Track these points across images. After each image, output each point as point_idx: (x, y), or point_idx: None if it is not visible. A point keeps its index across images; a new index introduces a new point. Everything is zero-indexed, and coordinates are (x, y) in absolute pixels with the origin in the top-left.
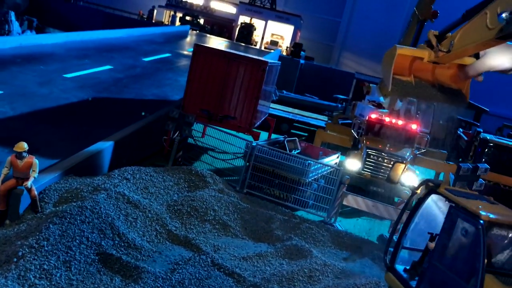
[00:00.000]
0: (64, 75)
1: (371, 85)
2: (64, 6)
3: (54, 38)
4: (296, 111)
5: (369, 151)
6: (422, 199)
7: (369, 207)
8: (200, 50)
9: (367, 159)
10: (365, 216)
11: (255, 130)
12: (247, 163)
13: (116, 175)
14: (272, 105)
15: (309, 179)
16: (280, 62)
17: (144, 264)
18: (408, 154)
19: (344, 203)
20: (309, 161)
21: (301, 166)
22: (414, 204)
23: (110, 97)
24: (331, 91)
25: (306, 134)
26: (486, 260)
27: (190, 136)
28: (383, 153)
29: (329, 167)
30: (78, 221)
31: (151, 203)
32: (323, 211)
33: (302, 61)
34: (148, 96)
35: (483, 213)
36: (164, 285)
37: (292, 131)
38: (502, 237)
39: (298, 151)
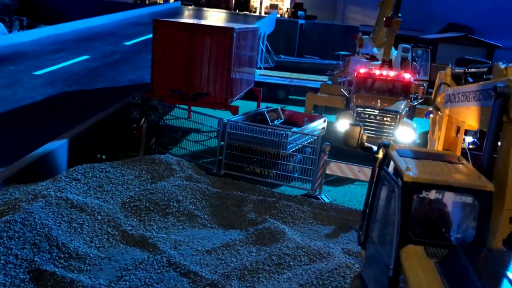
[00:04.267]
0: (34, 73)
1: (363, 36)
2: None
3: (29, 35)
4: (295, 75)
5: (359, 110)
6: (381, 164)
7: (355, 172)
8: (159, 25)
9: (358, 118)
10: (359, 182)
11: (234, 104)
12: (221, 143)
13: (63, 178)
14: (268, 72)
15: (289, 151)
16: (258, 27)
17: (86, 275)
18: (402, 107)
19: (327, 172)
20: (286, 132)
21: (278, 138)
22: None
23: (79, 89)
24: (335, 49)
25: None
26: (406, 228)
27: (157, 121)
28: (375, 110)
29: (309, 136)
30: (5, 238)
31: (103, 204)
32: (310, 184)
33: (302, 22)
34: (122, 82)
35: (407, 172)
36: None
37: (290, 97)
38: (431, 202)
39: (282, 120)
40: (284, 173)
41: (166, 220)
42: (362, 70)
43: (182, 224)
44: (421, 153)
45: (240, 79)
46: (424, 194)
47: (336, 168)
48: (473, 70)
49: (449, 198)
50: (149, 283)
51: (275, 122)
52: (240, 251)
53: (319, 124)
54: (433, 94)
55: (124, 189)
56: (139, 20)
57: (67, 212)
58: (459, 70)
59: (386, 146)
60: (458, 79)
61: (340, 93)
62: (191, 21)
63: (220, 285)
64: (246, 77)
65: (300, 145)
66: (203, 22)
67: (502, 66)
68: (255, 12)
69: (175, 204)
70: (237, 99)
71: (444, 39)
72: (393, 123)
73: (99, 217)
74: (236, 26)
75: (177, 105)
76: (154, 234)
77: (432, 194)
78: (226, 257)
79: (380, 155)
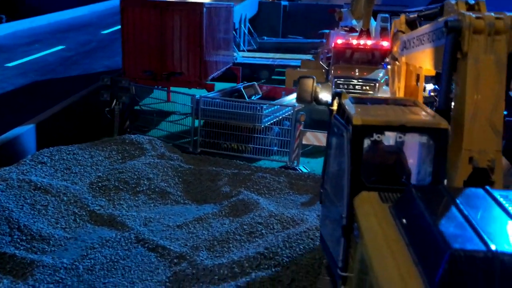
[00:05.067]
0: (6, 65)
1: (342, 10)
2: None
3: (3, 30)
4: (278, 55)
5: (337, 80)
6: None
7: None
8: (127, 4)
9: (337, 89)
10: None
11: (210, 82)
12: (196, 120)
13: (28, 161)
14: (251, 54)
15: (265, 124)
16: (232, 4)
17: (49, 256)
18: (381, 75)
19: (304, 142)
20: (261, 105)
21: (252, 112)
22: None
23: (52, 78)
24: (320, 28)
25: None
26: (358, 175)
27: (130, 103)
28: (352, 80)
29: (289, 108)
30: None
31: (70, 185)
32: (288, 156)
33: (285, 3)
34: (98, 69)
35: (357, 116)
36: (67, 277)
37: (274, 77)
38: (384, 146)
39: (259, 96)
40: (262, 146)
41: (136, 198)
42: (339, 41)
43: (154, 202)
44: (375, 100)
45: (215, 57)
46: (375, 137)
47: (312, 137)
48: (426, 12)
49: (403, 140)
50: (115, 259)
51: (253, 98)
52: (213, 224)
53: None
54: (390, 44)
55: (94, 170)
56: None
57: (31, 194)
58: (413, 15)
59: (338, 95)
60: (413, 25)
61: (318, 68)
62: None
63: (188, 257)
64: (223, 55)
65: (277, 118)
66: None
67: (453, 1)
68: None
69: (145, 182)
70: (214, 78)
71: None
72: (371, 92)
73: (65, 198)
74: (206, 2)
75: (157, 87)
76: (123, 213)
77: (385, 138)
78: (197, 231)
79: (335, 107)
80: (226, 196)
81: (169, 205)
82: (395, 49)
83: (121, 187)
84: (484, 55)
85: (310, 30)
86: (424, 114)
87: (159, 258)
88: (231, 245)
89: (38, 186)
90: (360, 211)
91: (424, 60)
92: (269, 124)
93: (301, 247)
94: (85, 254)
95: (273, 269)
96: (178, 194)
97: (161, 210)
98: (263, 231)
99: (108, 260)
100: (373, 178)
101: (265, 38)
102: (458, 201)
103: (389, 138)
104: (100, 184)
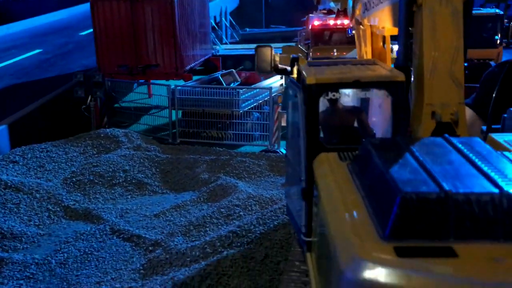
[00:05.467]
0: None
1: None
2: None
3: None
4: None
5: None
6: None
7: None
8: None
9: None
10: None
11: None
12: (173, 111)
13: None
14: (234, 46)
15: (244, 109)
16: None
17: (21, 253)
18: None
19: (283, 124)
20: (237, 90)
21: (229, 97)
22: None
23: (29, 80)
24: (303, 16)
25: None
26: (316, 136)
27: (106, 98)
28: (330, 59)
29: (267, 91)
30: None
31: (43, 182)
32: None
33: None
34: (75, 69)
35: (311, 76)
36: (38, 272)
37: None
38: (341, 105)
39: (238, 82)
40: (243, 132)
41: (112, 191)
42: (316, 23)
43: (131, 194)
44: (333, 62)
45: (192, 47)
46: (330, 95)
47: None
48: None
49: (361, 98)
50: (89, 252)
51: (231, 85)
52: (191, 210)
53: (276, 81)
54: (352, 8)
55: (68, 167)
56: None
57: (1, 193)
58: None
59: (295, 60)
60: None
61: (298, 52)
62: None
63: (163, 243)
64: (200, 46)
65: (256, 103)
66: None
67: None
68: None
69: (121, 174)
70: (192, 68)
71: None
72: None
73: (38, 195)
74: None
75: (136, 84)
76: (99, 206)
77: (345, 98)
78: (174, 218)
79: (296, 75)
80: (205, 182)
81: (147, 195)
82: (357, 12)
83: (96, 180)
84: (439, 6)
85: (293, 19)
86: (381, 70)
87: (134, 247)
88: (207, 228)
89: (9, 185)
90: (318, 172)
91: (385, 19)
92: (248, 109)
93: (276, 223)
94: (59, 248)
95: (246, 246)
96: (156, 184)
97: (139, 201)
98: (241, 213)
99: (81, 253)
100: (334, 140)
101: (247, 29)
102: (414, 149)
103: (348, 98)
104: (74, 179)
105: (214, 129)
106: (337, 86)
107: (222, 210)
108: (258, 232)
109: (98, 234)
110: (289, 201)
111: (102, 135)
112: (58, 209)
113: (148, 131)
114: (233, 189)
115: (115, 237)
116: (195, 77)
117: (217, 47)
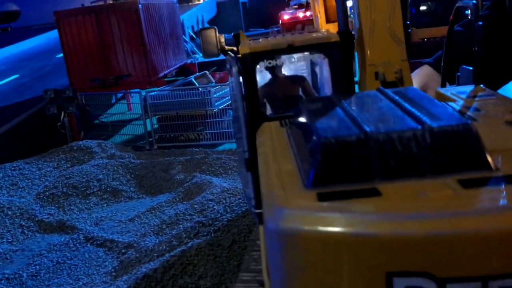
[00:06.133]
0: None
1: None
2: None
3: None
4: None
5: None
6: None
7: None
8: (61, 16)
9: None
10: None
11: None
12: (146, 117)
13: None
14: None
15: (218, 107)
16: (175, 1)
17: None
18: None
19: None
20: (208, 88)
21: (201, 97)
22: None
23: (4, 105)
24: None
25: None
26: (256, 106)
27: (80, 113)
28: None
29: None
30: None
31: (15, 199)
32: None
33: (243, 0)
34: None
35: (244, 46)
36: (9, 286)
37: None
38: (285, 77)
39: (213, 83)
40: (220, 130)
41: (87, 201)
42: (286, 17)
43: (106, 202)
44: (274, 35)
45: (164, 54)
46: (266, 63)
47: None
48: None
49: (300, 64)
50: (62, 261)
51: (211, 90)
52: (166, 211)
53: None
54: None
55: (42, 182)
56: None
57: None
58: None
59: (236, 36)
60: None
61: None
62: (94, 4)
63: (135, 244)
64: (172, 52)
65: (231, 101)
66: (105, 2)
67: None
68: (199, 1)
69: (95, 184)
70: (166, 75)
71: None
72: None
73: (10, 212)
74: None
75: (115, 93)
76: (73, 217)
77: (286, 67)
78: (149, 220)
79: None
80: (180, 183)
81: (123, 202)
82: None
83: (70, 192)
84: None
85: (271, 20)
86: (317, 34)
87: (107, 252)
88: (181, 225)
89: None
90: (259, 141)
91: None
92: (224, 107)
93: (244, 209)
94: (31, 262)
95: (213, 235)
96: (131, 190)
97: (114, 208)
98: (215, 207)
99: (54, 263)
100: (278, 110)
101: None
102: (344, 102)
103: (289, 67)
104: (47, 193)
105: (191, 131)
106: (270, 53)
107: (195, 206)
108: (226, 219)
109: (72, 243)
110: (242, 180)
111: (75, 148)
112: (32, 224)
113: (128, 141)
114: (207, 186)
115: (88, 245)
116: (166, 81)
117: (196, 56)
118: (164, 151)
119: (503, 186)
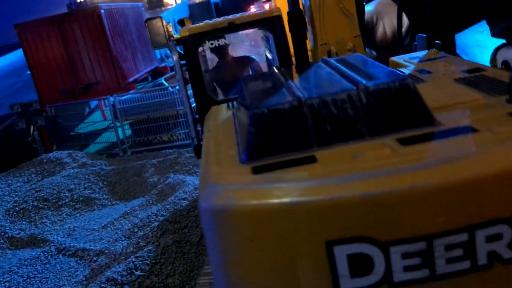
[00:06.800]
0: None
1: None
2: None
3: None
4: None
5: None
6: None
7: None
8: (22, 28)
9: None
10: None
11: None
12: (117, 123)
13: None
14: None
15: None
16: (140, 4)
17: None
18: None
19: None
20: (175, 87)
21: (170, 97)
22: None
23: None
24: None
25: None
26: (202, 90)
27: (48, 125)
28: None
29: None
30: None
31: None
32: None
33: (216, 0)
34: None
35: (184, 29)
36: None
37: None
38: (234, 59)
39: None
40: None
41: (60, 212)
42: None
43: (79, 211)
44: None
45: (132, 58)
46: (209, 44)
47: None
48: None
49: (248, 44)
50: (32, 275)
51: (177, 87)
52: (139, 214)
53: None
54: None
55: (12, 198)
56: None
57: None
58: None
59: (181, 22)
60: None
61: None
62: (56, 13)
63: (106, 251)
64: (142, 56)
65: None
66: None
67: None
68: (172, 5)
69: (67, 194)
70: (137, 80)
71: None
72: None
73: None
74: (103, 4)
75: (84, 102)
76: (46, 230)
77: (225, 48)
78: (122, 225)
79: None
80: (154, 185)
81: (96, 210)
82: None
83: (41, 205)
84: None
85: None
86: (260, 11)
87: (78, 261)
88: (152, 225)
89: None
90: (206, 125)
91: None
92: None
93: None
94: (1, 280)
95: (181, 232)
96: (105, 197)
97: (87, 217)
98: (196, 206)
99: (25, 278)
100: (228, 92)
101: None
102: (286, 75)
103: (240, 48)
104: (17, 208)
105: (164, 133)
106: (211, 33)
107: (167, 206)
108: (194, 215)
109: (43, 256)
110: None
111: (45, 160)
112: (2, 241)
113: (104, 149)
114: (180, 185)
115: (60, 256)
116: (139, 86)
117: (170, 59)
118: (138, 156)
119: (443, 140)
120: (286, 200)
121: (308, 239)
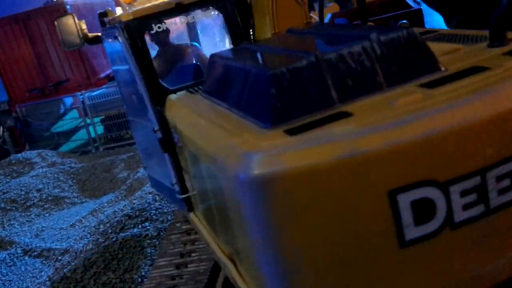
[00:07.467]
0: None
1: None
2: None
3: None
4: None
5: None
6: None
7: None
8: None
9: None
10: None
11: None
12: (88, 120)
13: None
14: None
15: None
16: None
17: None
18: None
19: None
20: None
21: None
22: None
23: None
24: None
25: None
26: (154, 78)
27: (18, 125)
28: None
29: None
30: None
31: None
32: None
33: None
34: None
35: (126, 13)
36: None
37: None
38: (184, 46)
39: None
40: None
41: (28, 213)
42: None
43: (48, 211)
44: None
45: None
46: (156, 28)
47: None
48: None
49: (199, 27)
50: None
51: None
52: (107, 211)
53: None
54: None
55: None
56: None
57: None
58: None
59: (103, 14)
60: None
61: None
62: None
63: (71, 250)
64: None
65: None
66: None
67: None
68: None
69: (35, 195)
70: (108, 75)
71: None
72: None
73: None
74: (70, 0)
75: (52, 100)
76: (13, 231)
77: (167, 33)
78: (91, 223)
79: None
80: (123, 181)
81: (66, 209)
82: None
83: (8, 207)
84: None
85: None
86: None
87: (44, 262)
88: (123, 221)
89: None
90: (171, 114)
91: None
92: None
93: None
94: None
95: (140, 226)
96: (74, 196)
97: (57, 216)
98: (157, 198)
99: None
100: (178, 81)
101: None
102: (270, 45)
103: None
104: None
105: None
106: (158, 15)
107: (134, 201)
108: (154, 209)
109: (9, 259)
110: (149, 170)
111: (13, 161)
112: None
113: (78, 147)
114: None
115: (26, 257)
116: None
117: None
118: (109, 152)
119: (466, 80)
120: (342, 154)
121: (368, 192)
